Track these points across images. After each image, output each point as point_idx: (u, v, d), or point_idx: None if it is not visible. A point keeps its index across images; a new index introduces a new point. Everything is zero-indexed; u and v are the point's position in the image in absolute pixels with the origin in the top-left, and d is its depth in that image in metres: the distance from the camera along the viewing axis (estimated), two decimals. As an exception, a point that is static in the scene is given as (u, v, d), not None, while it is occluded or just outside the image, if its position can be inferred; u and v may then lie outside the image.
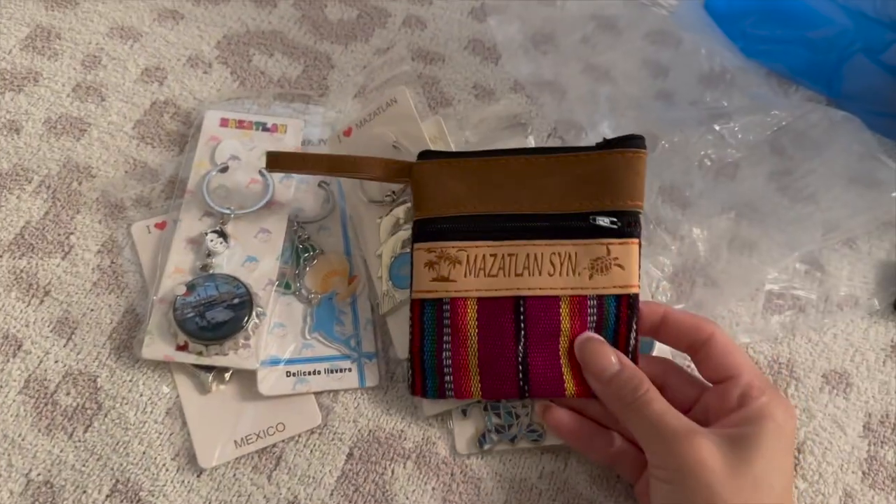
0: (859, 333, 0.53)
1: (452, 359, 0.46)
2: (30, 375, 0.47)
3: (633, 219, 0.45)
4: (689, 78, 0.63)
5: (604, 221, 0.45)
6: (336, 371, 0.48)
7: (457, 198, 0.47)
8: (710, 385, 0.44)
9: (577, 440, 0.46)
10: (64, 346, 0.48)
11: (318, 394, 0.48)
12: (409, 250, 0.50)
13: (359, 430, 0.47)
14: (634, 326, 0.45)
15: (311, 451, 0.47)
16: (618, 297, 0.45)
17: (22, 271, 0.50)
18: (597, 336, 0.45)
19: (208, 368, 0.47)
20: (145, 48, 0.60)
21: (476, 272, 0.46)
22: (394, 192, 0.52)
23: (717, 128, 0.59)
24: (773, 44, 0.65)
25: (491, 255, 0.46)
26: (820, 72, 0.63)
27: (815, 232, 0.55)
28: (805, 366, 0.52)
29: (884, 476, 0.49)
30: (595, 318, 0.45)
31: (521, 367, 0.45)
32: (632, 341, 0.45)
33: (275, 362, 0.48)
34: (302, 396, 0.48)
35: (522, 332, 0.45)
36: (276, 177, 0.53)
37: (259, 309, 0.48)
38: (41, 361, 0.48)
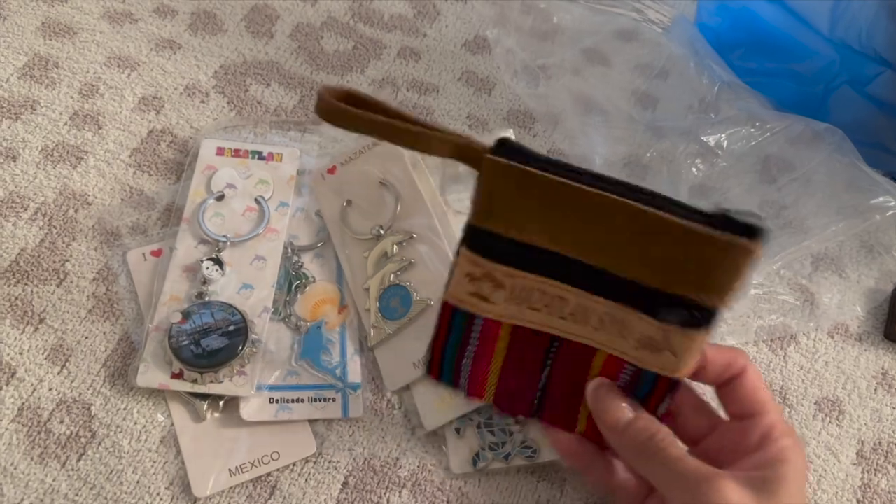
0: (850, 361, 0.54)
1: (472, 368, 0.43)
2: (23, 403, 0.47)
3: (713, 315, 0.37)
4: (679, 101, 0.64)
5: (679, 313, 0.37)
6: (320, 400, 0.48)
7: (529, 220, 0.38)
8: (725, 418, 0.42)
9: (579, 462, 0.44)
10: (58, 374, 0.48)
11: (312, 422, 0.48)
12: (398, 283, 0.50)
13: (354, 459, 0.47)
14: (666, 404, 0.40)
15: (306, 480, 0.46)
16: (658, 375, 0.39)
17: (17, 298, 0.50)
18: (607, 382, 0.41)
19: (203, 396, 0.47)
20: (143, 77, 0.61)
21: (519, 301, 0.40)
22: (381, 227, 0.52)
23: (704, 138, 0.60)
24: (761, 76, 0.66)
25: (540, 291, 0.40)
26: (807, 103, 0.65)
27: (797, 238, 0.56)
28: (798, 393, 0.52)
29: None
30: (628, 377, 0.40)
31: (539, 395, 0.43)
32: (660, 412, 0.40)
33: (259, 388, 0.48)
34: (297, 424, 0.47)
35: (548, 367, 0.42)
36: (272, 205, 0.53)
37: (254, 336, 0.48)
38: (35, 389, 0.47)
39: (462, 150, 0.38)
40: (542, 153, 0.38)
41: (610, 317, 0.39)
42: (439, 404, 0.48)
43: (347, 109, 0.40)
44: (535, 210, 0.38)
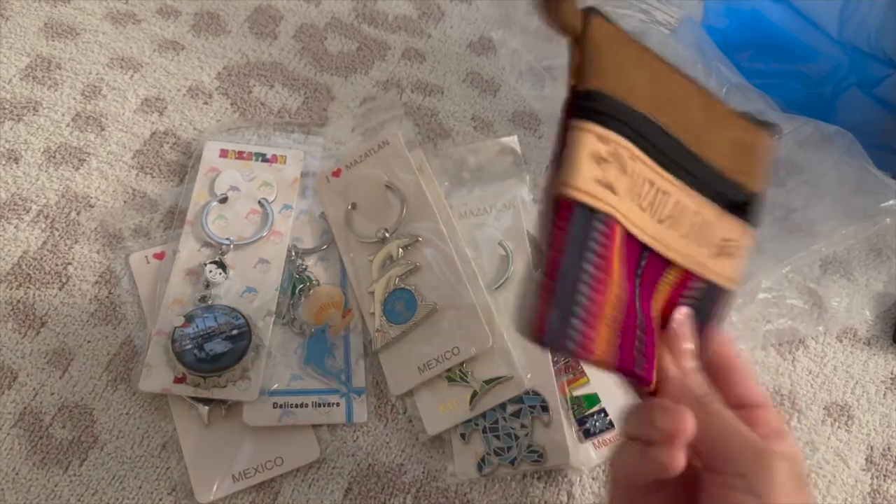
0: (859, 366, 0.53)
1: (593, 300, 0.32)
2: (24, 408, 0.47)
3: (761, 207, 0.38)
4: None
5: (754, 204, 0.38)
6: (324, 405, 0.48)
7: (635, 89, 0.34)
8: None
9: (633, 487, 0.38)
10: (60, 378, 0.48)
11: (316, 427, 0.47)
12: (403, 286, 0.50)
13: (357, 464, 0.47)
14: (716, 326, 0.38)
15: (310, 486, 0.46)
16: (719, 292, 0.37)
17: (19, 302, 0.50)
18: (688, 320, 0.37)
19: (206, 401, 0.46)
20: (145, 78, 0.60)
21: (634, 195, 0.34)
22: (386, 230, 0.52)
23: None
24: (768, 78, 0.66)
25: (650, 182, 0.35)
26: (815, 105, 0.64)
27: (806, 242, 0.55)
28: (807, 398, 0.52)
29: (887, 510, 0.48)
30: (690, 303, 0.37)
31: (639, 332, 0.34)
32: (709, 339, 0.37)
33: (262, 393, 0.47)
34: (300, 430, 0.47)
35: (638, 282, 0.35)
36: (276, 207, 0.53)
37: (258, 341, 0.48)
38: (36, 393, 0.47)
39: (570, 9, 0.33)
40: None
41: (700, 218, 0.37)
42: (442, 409, 0.48)
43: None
44: (642, 78, 0.35)
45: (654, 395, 0.36)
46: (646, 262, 0.35)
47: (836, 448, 0.50)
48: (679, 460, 0.34)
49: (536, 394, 0.48)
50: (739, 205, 0.38)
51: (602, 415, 0.48)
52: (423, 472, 0.47)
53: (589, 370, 0.49)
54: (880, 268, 0.57)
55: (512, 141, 0.59)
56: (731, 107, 0.38)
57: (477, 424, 0.47)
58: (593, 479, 0.48)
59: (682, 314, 0.37)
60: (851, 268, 0.57)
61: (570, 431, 0.48)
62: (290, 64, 0.63)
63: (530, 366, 0.48)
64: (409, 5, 0.68)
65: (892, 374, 0.53)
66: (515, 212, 0.54)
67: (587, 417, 0.48)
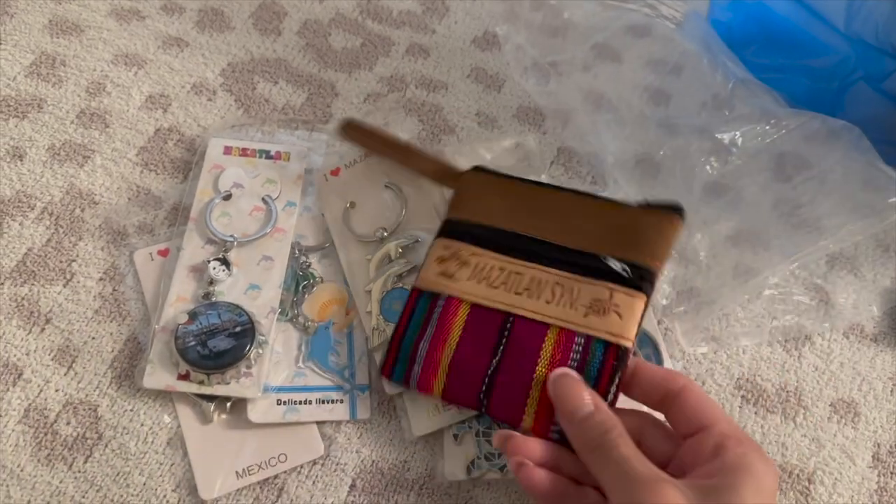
0: (866, 362, 0.53)
1: (427, 352, 0.45)
2: (30, 405, 0.47)
3: (647, 274, 0.45)
4: (693, 98, 0.63)
5: (615, 265, 0.45)
6: (328, 402, 0.48)
7: (491, 211, 0.48)
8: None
9: (551, 499, 0.40)
10: (65, 375, 0.48)
11: (319, 423, 0.47)
12: (401, 286, 0.50)
13: (362, 461, 0.47)
14: (617, 381, 0.42)
15: (314, 483, 0.46)
16: (607, 345, 0.43)
17: (23, 299, 0.50)
18: (573, 373, 0.42)
19: (210, 398, 0.47)
20: (150, 75, 0.60)
21: (480, 279, 0.46)
22: (384, 230, 0.52)
23: (718, 136, 0.59)
24: (774, 72, 0.65)
25: (500, 269, 0.46)
26: (821, 100, 0.63)
27: (812, 238, 0.55)
28: (812, 394, 0.51)
29: (894, 508, 0.48)
30: (578, 357, 0.43)
31: (486, 381, 0.44)
32: (611, 395, 0.42)
33: (266, 390, 0.47)
34: (304, 426, 0.47)
35: (501, 348, 0.44)
36: (280, 204, 0.53)
37: (261, 337, 0.48)
38: (41, 390, 0.47)
39: (446, 171, 0.51)
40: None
41: (561, 287, 0.45)
42: (431, 411, 0.47)
43: (367, 128, 0.54)
44: (500, 202, 0.49)
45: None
46: (512, 324, 0.45)
47: (842, 445, 0.50)
48: (529, 481, 0.39)
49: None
50: (610, 272, 0.45)
51: None
52: (427, 469, 0.47)
53: None
54: (888, 263, 0.57)
55: (520, 128, 0.59)
56: (616, 202, 0.48)
57: (471, 427, 0.47)
58: (598, 476, 0.47)
59: (554, 375, 0.42)
60: (859, 264, 0.57)
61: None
62: (294, 60, 0.63)
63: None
64: (413, 1, 0.68)
65: (899, 370, 0.53)
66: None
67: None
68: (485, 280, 0.46)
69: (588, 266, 0.45)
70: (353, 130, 0.54)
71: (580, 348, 0.43)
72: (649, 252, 0.45)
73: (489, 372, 0.44)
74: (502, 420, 0.44)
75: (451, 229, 0.49)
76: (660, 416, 0.42)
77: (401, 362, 0.46)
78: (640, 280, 0.44)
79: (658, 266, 0.45)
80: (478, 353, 0.44)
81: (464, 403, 0.45)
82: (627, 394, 0.43)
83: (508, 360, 0.44)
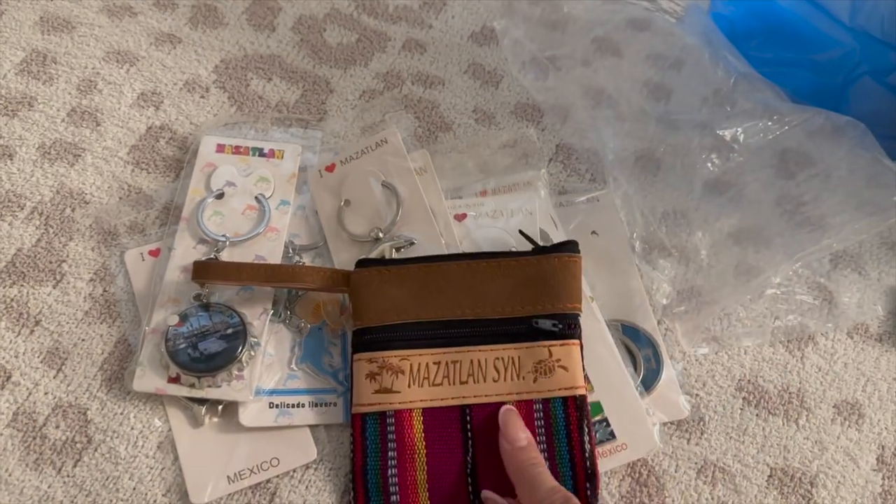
0: (870, 362, 0.52)
1: (399, 476, 0.43)
2: (18, 408, 0.46)
3: (573, 321, 0.46)
4: (694, 93, 0.62)
5: (545, 325, 0.46)
6: (321, 405, 0.47)
7: (397, 306, 0.46)
8: None
9: None
10: (54, 378, 0.47)
11: (313, 427, 0.47)
12: None
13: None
14: (587, 429, 0.44)
15: (307, 487, 0.45)
16: (564, 400, 0.45)
17: (12, 300, 0.49)
18: (514, 409, 0.44)
19: (201, 401, 0.46)
20: (141, 73, 0.59)
21: (420, 381, 0.45)
22: (379, 230, 0.51)
23: (719, 132, 0.58)
24: (777, 66, 0.64)
25: (434, 364, 0.45)
26: (826, 95, 0.62)
27: (816, 236, 0.54)
28: (816, 396, 0.50)
29: (899, 512, 0.47)
30: (543, 422, 0.44)
31: (470, 480, 0.44)
32: (587, 445, 0.44)
33: (258, 393, 0.46)
34: (297, 430, 0.46)
35: (470, 442, 0.44)
36: (273, 203, 0.52)
37: (253, 339, 0.47)
38: (30, 393, 0.46)
39: (331, 276, 0.47)
40: (398, 258, 0.50)
41: (502, 361, 0.45)
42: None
43: (226, 263, 0.48)
44: (401, 294, 0.46)
45: None
46: (471, 415, 0.44)
47: (845, 448, 0.49)
48: None
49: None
50: (541, 331, 0.45)
51: (604, 424, 0.47)
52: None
53: (593, 378, 0.48)
54: (893, 262, 0.56)
55: (518, 124, 0.58)
56: (509, 255, 0.47)
57: None
58: (596, 479, 0.47)
59: (502, 410, 0.44)
60: (863, 262, 0.56)
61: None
62: (288, 56, 0.62)
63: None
64: (409, -5, 0.67)
65: (904, 371, 0.52)
66: (530, 218, 0.53)
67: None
68: (426, 381, 0.45)
69: (519, 331, 0.46)
70: (205, 271, 0.47)
71: (541, 413, 0.44)
72: (567, 297, 0.46)
73: (468, 469, 0.44)
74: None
75: (366, 340, 0.46)
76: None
77: (374, 495, 0.43)
78: (570, 328, 0.46)
79: (579, 308, 0.46)
80: (451, 456, 0.44)
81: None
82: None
83: (481, 449, 0.44)
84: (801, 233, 0.54)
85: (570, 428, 0.44)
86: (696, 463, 0.48)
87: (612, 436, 0.47)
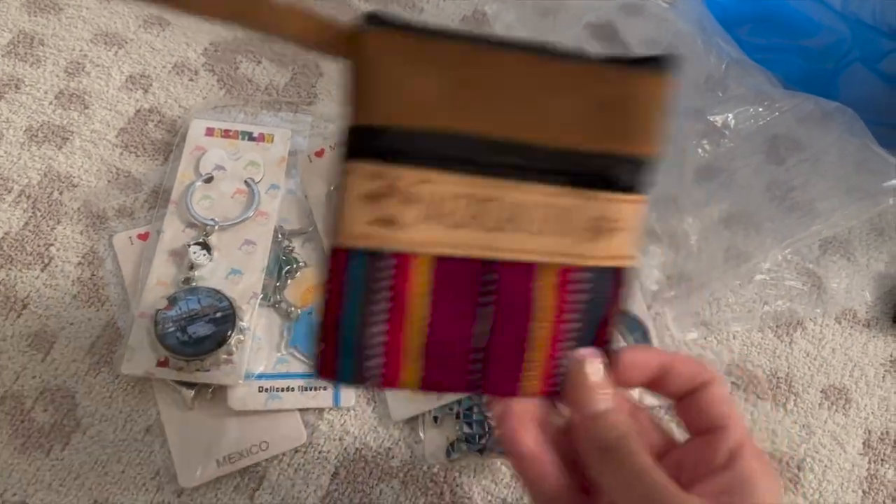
0: (858, 348, 0.52)
1: (388, 337, 0.32)
2: (6, 391, 0.46)
3: (647, 167, 0.33)
4: (686, 78, 0.62)
5: (619, 171, 0.32)
6: (311, 389, 0.47)
7: (424, 102, 0.31)
8: (681, 441, 0.36)
9: (536, 470, 0.34)
10: (42, 361, 0.47)
11: (302, 411, 0.47)
12: None
13: (345, 449, 0.46)
14: (618, 309, 0.34)
15: (296, 471, 0.45)
16: (614, 272, 0.33)
17: (0, 284, 0.49)
18: (596, 362, 0.33)
19: (190, 384, 0.46)
20: (130, 55, 0.59)
21: (439, 218, 0.31)
22: None
23: (710, 117, 0.58)
24: (769, 52, 0.64)
25: (462, 196, 0.31)
26: (816, 81, 0.62)
27: (805, 221, 0.54)
28: (804, 381, 0.51)
29: (884, 495, 0.47)
30: (584, 297, 0.33)
31: (475, 356, 0.33)
32: (612, 347, 0.34)
33: (248, 377, 0.46)
34: (286, 413, 0.46)
35: (489, 308, 0.33)
36: (263, 187, 0.52)
37: (242, 324, 0.47)
38: (18, 377, 0.46)
39: (323, 29, 0.30)
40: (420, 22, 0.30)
41: (548, 210, 0.32)
42: (411, 395, 0.46)
43: None
44: (432, 85, 0.31)
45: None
46: (496, 276, 0.32)
47: (832, 432, 0.49)
48: (516, 446, 0.33)
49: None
50: (608, 178, 0.32)
51: None
52: (412, 457, 0.46)
53: None
54: (882, 248, 0.56)
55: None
56: (586, 61, 0.31)
57: (451, 409, 0.46)
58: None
59: (577, 357, 0.33)
60: (852, 248, 0.56)
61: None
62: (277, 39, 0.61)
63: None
64: (401, -21, 0.67)
65: (891, 356, 0.52)
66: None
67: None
68: (446, 218, 0.31)
69: (579, 172, 0.32)
70: None
71: (584, 286, 0.33)
72: (646, 136, 0.32)
73: (477, 346, 0.33)
74: (502, 395, 0.34)
75: (370, 144, 0.30)
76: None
77: (346, 355, 0.32)
78: (640, 178, 0.33)
79: (658, 151, 0.33)
80: (457, 324, 0.33)
81: (449, 389, 0.34)
82: (657, 390, 0.36)
83: (500, 320, 0.33)
84: (791, 218, 0.54)
85: (608, 308, 0.34)
86: (684, 447, 0.48)
87: None
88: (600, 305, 0.33)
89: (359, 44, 0.29)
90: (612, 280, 0.33)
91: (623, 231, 0.33)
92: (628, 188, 0.32)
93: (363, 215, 0.31)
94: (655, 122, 0.32)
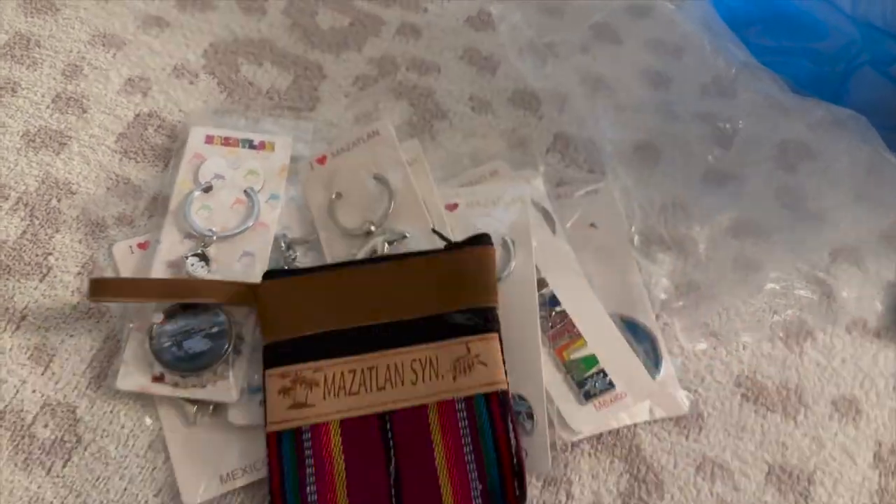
0: (868, 358, 0.52)
1: (318, 494, 0.41)
2: (5, 406, 0.45)
3: (490, 314, 0.45)
4: (694, 81, 0.61)
5: (459, 319, 0.44)
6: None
7: (308, 316, 0.44)
8: None
9: None
10: (41, 375, 0.46)
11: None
12: None
13: (350, 464, 0.46)
14: (511, 425, 0.42)
15: (301, 487, 0.45)
16: (486, 396, 0.43)
17: (-3, 295, 0.48)
18: None
19: (193, 399, 0.45)
20: (129, 57, 0.58)
21: (336, 392, 0.43)
22: (371, 223, 0.50)
23: (719, 123, 0.57)
24: (777, 55, 0.63)
25: (350, 372, 0.43)
26: (826, 84, 0.61)
27: (816, 230, 0.53)
28: (814, 392, 0.50)
29: (895, 509, 0.47)
30: (467, 422, 0.43)
31: (394, 491, 0.41)
32: (512, 441, 0.42)
33: (251, 391, 0.45)
34: (291, 428, 0.45)
35: (392, 451, 0.42)
36: (262, 197, 0.51)
37: (238, 339, 0.46)
38: (17, 391, 0.45)
39: (236, 290, 0.45)
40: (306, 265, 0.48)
41: (419, 362, 0.44)
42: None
43: (123, 279, 0.48)
44: (311, 304, 0.45)
45: None
46: (392, 422, 0.42)
47: (843, 444, 0.49)
48: None
49: (523, 399, 0.46)
50: (457, 326, 0.44)
51: (601, 375, 0.47)
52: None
53: (585, 332, 0.48)
54: (893, 257, 0.55)
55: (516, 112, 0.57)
56: (428, 253, 0.46)
57: None
58: (593, 477, 0.46)
59: None
60: (862, 256, 0.55)
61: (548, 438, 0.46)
62: (279, 40, 0.60)
63: (521, 371, 0.47)
64: (404, -22, 0.65)
65: (902, 366, 0.52)
66: (522, 207, 0.52)
67: (586, 380, 0.47)
68: (342, 391, 0.43)
69: (434, 330, 0.44)
70: (103, 289, 0.46)
71: (464, 413, 0.43)
72: (482, 291, 0.45)
73: (392, 481, 0.42)
74: None
75: (277, 354, 0.44)
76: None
77: None
78: (487, 322, 0.45)
79: (495, 300, 0.45)
80: (371, 470, 0.42)
81: None
82: None
83: (404, 458, 0.42)
84: (802, 226, 0.53)
85: (494, 425, 0.42)
86: (694, 459, 0.47)
87: (611, 385, 0.47)
88: (486, 424, 0.42)
89: (257, 292, 0.45)
90: (487, 404, 0.43)
91: (484, 364, 0.44)
92: (479, 330, 0.44)
93: (282, 405, 0.43)
94: (484, 280, 0.46)
